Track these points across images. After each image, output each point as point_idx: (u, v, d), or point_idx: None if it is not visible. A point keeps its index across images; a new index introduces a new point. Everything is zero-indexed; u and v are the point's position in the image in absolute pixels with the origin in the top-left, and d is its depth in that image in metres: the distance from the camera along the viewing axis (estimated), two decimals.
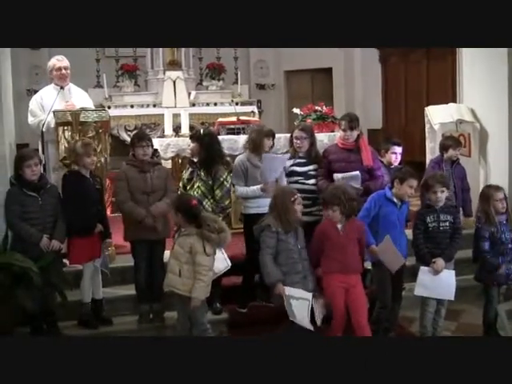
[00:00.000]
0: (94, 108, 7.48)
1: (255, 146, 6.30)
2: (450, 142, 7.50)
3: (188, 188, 6.35)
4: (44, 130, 7.12)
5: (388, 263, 5.72)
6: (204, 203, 6.14)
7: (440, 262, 5.65)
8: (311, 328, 5.24)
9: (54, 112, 6.90)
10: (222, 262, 5.89)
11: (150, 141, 6.20)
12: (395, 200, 5.81)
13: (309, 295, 5.33)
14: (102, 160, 6.83)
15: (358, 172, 6.35)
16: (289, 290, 5.33)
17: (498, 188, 5.95)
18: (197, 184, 6.27)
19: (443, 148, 7.43)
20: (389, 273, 5.81)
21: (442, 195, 5.76)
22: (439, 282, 5.67)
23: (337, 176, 6.35)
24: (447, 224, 5.76)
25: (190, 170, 6.42)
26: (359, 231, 5.69)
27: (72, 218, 5.94)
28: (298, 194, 5.57)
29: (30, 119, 7.47)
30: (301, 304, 5.28)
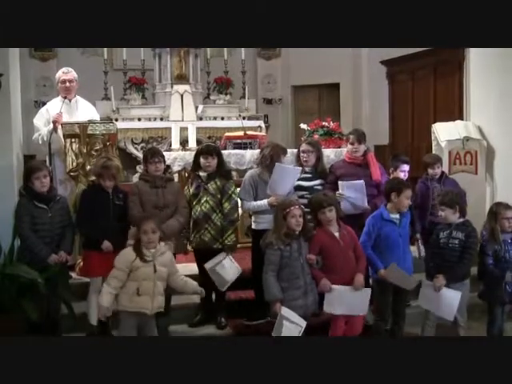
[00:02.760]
0: (100, 121, 7.50)
1: (271, 162, 6.26)
2: (428, 160, 7.42)
3: (194, 203, 6.30)
4: (40, 141, 7.22)
5: (401, 285, 5.75)
6: (213, 217, 6.22)
7: (440, 279, 5.67)
8: None
9: (62, 124, 6.94)
10: (233, 269, 6.16)
11: (163, 157, 6.24)
12: (393, 217, 5.83)
13: (303, 323, 5.30)
14: None
15: (362, 181, 6.33)
16: (286, 312, 5.30)
17: (507, 206, 5.94)
18: (204, 198, 6.25)
19: (424, 167, 7.42)
20: (391, 287, 5.84)
21: (442, 213, 5.85)
22: (439, 299, 5.68)
23: (341, 184, 6.34)
24: (456, 242, 5.76)
25: (195, 184, 6.35)
26: (353, 237, 5.77)
27: (81, 230, 5.97)
28: (297, 206, 5.52)
29: (34, 136, 7.51)
30: (293, 328, 5.26)
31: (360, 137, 6.66)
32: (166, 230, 5.91)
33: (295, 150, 7.05)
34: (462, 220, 5.85)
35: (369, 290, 5.67)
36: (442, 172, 7.36)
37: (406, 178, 7.06)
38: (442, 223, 5.97)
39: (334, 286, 5.54)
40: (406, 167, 7.19)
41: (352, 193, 6.28)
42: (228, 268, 6.18)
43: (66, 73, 7.62)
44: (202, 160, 6.29)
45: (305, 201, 6.20)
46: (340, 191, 6.31)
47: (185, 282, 5.56)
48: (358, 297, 5.60)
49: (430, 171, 7.28)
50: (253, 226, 6.48)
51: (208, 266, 6.17)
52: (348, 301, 5.56)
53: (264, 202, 6.20)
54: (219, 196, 6.27)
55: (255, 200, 6.28)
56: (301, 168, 6.49)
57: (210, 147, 6.48)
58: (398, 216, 5.84)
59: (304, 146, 6.68)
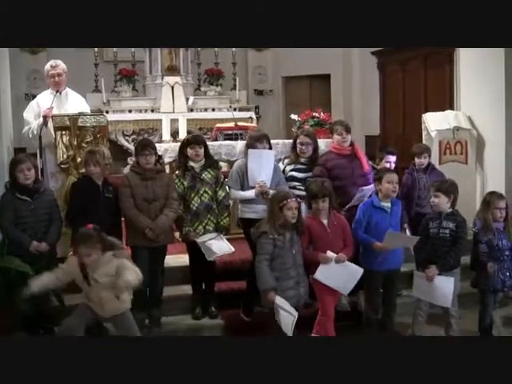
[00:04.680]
0: (90, 113, 7.47)
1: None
2: (415, 149, 7.44)
3: (193, 195, 6.28)
4: (30, 135, 7.20)
5: (405, 246, 5.90)
6: (213, 207, 6.30)
7: (432, 269, 5.68)
8: None
9: (52, 116, 6.92)
10: (223, 246, 6.20)
11: (154, 149, 6.18)
12: (383, 205, 5.85)
13: (295, 313, 5.34)
14: None
15: (372, 186, 6.29)
16: (279, 300, 5.33)
17: (500, 196, 5.97)
18: (203, 189, 6.27)
19: (411, 157, 7.44)
20: (381, 277, 5.90)
21: (436, 200, 5.82)
22: (433, 288, 5.70)
23: (364, 189, 6.33)
24: (447, 232, 5.77)
25: (190, 177, 6.32)
26: (343, 224, 5.82)
27: (70, 223, 5.96)
28: (293, 199, 5.53)
29: (24, 129, 7.48)
30: (287, 317, 5.30)
31: (347, 127, 6.69)
32: (156, 228, 5.95)
33: (287, 141, 7.04)
34: (451, 210, 5.86)
35: (360, 272, 5.73)
36: (429, 163, 7.38)
37: (391, 168, 7.06)
38: (430, 213, 5.99)
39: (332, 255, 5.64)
40: (392, 158, 7.21)
41: (363, 192, 6.30)
42: (218, 244, 6.22)
43: (54, 67, 7.55)
44: (189, 150, 6.29)
45: (298, 192, 6.24)
46: (360, 194, 6.31)
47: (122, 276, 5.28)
48: (347, 275, 5.68)
49: (417, 161, 7.30)
50: (240, 215, 6.50)
51: (199, 240, 6.21)
52: (339, 276, 5.63)
53: (251, 192, 6.22)
54: (214, 185, 6.33)
55: (242, 188, 6.30)
56: (274, 151, 6.52)
57: (196, 137, 6.50)
58: (389, 205, 5.88)
59: (302, 138, 6.67)
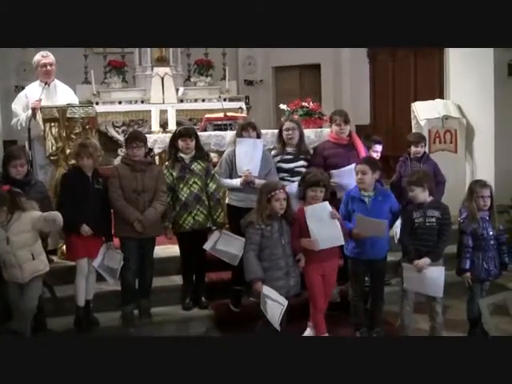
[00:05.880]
0: (79, 104, 7.45)
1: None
2: (411, 138, 7.43)
3: (182, 185, 6.28)
4: (19, 127, 7.18)
5: (374, 234, 5.74)
6: (203, 198, 6.30)
7: (423, 261, 5.62)
8: (279, 329, 5.24)
9: (40, 108, 6.90)
10: (235, 241, 6.10)
11: (143, 141, 6.18)
12: (361, 195, 5.83)
13: (284, 302, 5.29)
14: None
15: (353, 165, 6.26)
16: (267, 290, 5.32)
17: (484, 185, 5.89)
18: (192, 180, 6.28)
19: (407, 145, 7.42)
20: (363, 266, 5.91)
21: (411, 193, 5.79)
22: (424, 279, 5.64)
23: (334, 172, 6.37)
24: (433, 220, 5.73)
25: (179, 167, 6.33)
26: None
27: (61, 214, 5.96)
28: (281, 190, 5.52)
29: (13, 121, 7.45)
30: (275, 306, 5.26)
31: (346, 118, 6.70)
32: (145, 221, 5.95)
33: (276, 131, 7.04)
34: (431, 198, 5.85)
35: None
36: (424, 152, 7.36)
37: (378, 157, 7.05)
38: (412, 203, 5.93)
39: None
40: (379, 147, 7.21)
41: (344, 179, 6.30)
42: (229, 242, 6.20)
43: (45, 56, 7.52)
44: (180, 143, 6.30)
45: (285, 183, 6.24)
46: (333, 180, 6.32)
47: (52, 221, 5.49)
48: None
49: (413, 150, 7.26)
50: (227, 201, 6.54)
51: (207, 246, 6.25)
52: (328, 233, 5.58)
53: (236, 181, 6.27)
54: (204, 177, 6.32)
55: (231, 177, 6.35)
56: (262, 140, 6.52)
57: (188, 130, 6.49)
58: (370, 194, 5.85)
59: (287, 124, 6.69)
